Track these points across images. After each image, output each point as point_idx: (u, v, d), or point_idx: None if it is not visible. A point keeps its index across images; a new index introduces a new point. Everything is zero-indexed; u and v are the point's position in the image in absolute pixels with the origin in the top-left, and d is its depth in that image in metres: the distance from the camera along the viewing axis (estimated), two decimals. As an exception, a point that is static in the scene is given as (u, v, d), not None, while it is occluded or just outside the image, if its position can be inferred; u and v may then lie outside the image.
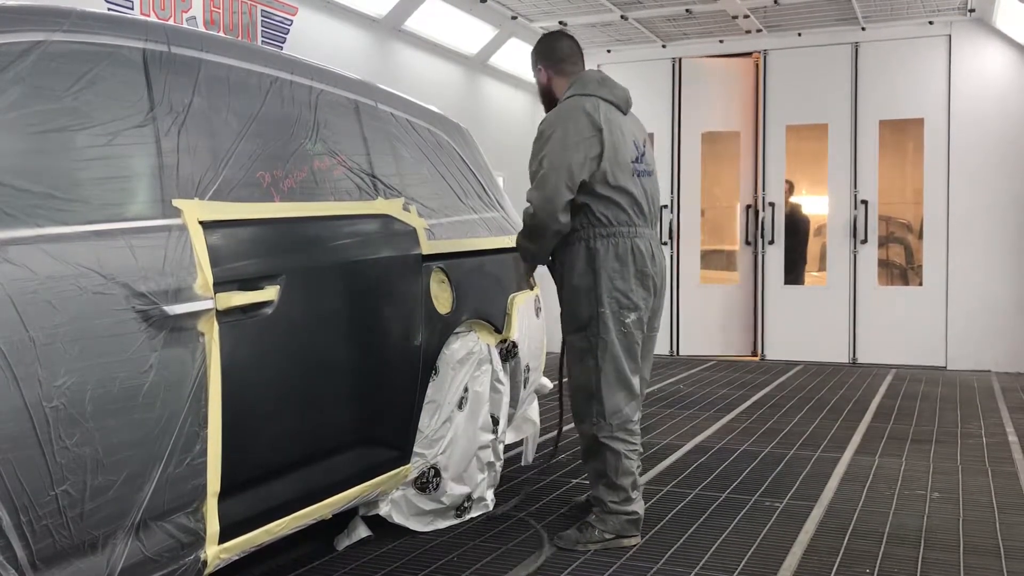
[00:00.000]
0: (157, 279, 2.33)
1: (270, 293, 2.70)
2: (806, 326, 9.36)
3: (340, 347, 3.08)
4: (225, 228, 2.60)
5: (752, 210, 9.60)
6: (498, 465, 4.08)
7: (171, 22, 5.15)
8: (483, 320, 3.90)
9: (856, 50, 9.22)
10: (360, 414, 3.21)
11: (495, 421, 4.01)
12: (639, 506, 3.58)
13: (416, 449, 3.53)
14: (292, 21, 6.36)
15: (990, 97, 8.70)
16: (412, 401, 3.46)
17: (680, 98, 9.81)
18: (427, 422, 3.56)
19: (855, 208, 9.19)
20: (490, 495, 4.01)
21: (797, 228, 9.69)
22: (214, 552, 2.54)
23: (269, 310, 2.70)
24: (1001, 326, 8.69)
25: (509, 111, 9.52)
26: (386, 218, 3.38)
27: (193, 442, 2.42)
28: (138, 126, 2.45)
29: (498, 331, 4.01)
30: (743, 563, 3.36)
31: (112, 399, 2.18)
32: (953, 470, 4.78)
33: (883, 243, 9.38)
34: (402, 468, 3.45)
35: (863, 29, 9.06)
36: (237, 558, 2.70)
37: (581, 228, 3.52)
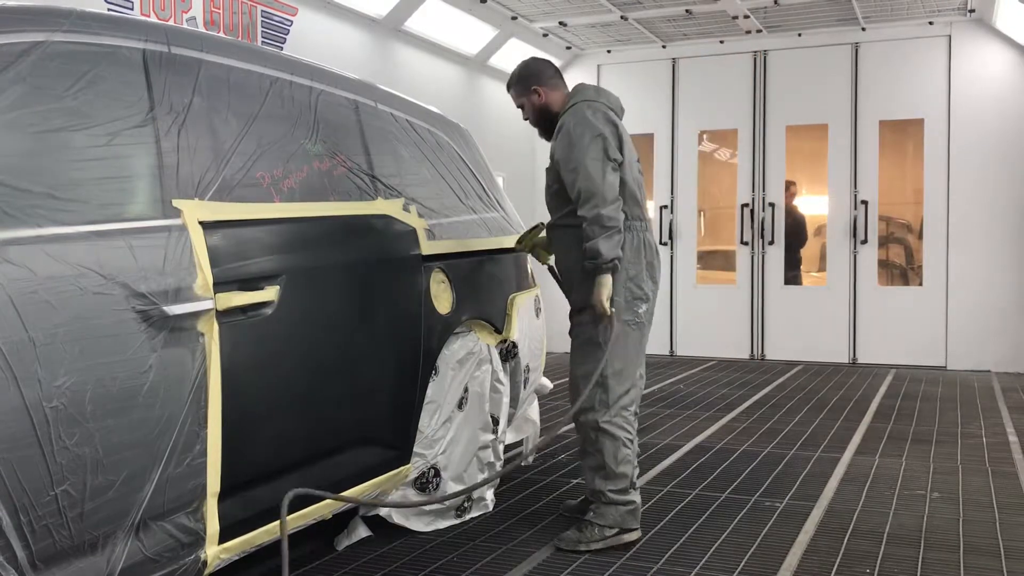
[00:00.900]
0: (157, 279, 2.33)
1: (270, 293, 2.70)
2: (806, 326, 9.36)
3: (340, 347, 3.07)
4: (225, 228, 2.60)
5: (748, 210, 9.59)
6: (498, 465, 4.08)
7: (171, 22, 5.15)
8: (483, 320, 3.90)
9: (856, 50, 9.22)
10: (360, 414, 3.21)
11: (495, 421, 4.01)
12: (636, 496, 3.59)
13: (416, 449, 3.53)
14: (292, 21, 6.36)
15: (990, 97, 8.71)
16: (412, 401, 3.46)
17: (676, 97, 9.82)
18: (427, 422, 3.56)
19: (855, 208, 9.20)
20: (490, 495, 4.01)
21: (798, 229, 9.69)
22: (214, 552, 2.54)
23: (269, 310, 2.70)
24: (1001, 326, 8.69)
25: (509, 111, 9.47)
26: (386, 218, 3.38)
27: (193, 442, 2.42)
28: (138, 126, 2.45)
29: (498, 331, 4.01)
30: (743, 563, 3.36)
31: (112, 399, 2.19)
32: (953, 470, 4.78)
33: (883, 243, 9.38)
34: (402, 468, 3.45)
35: (863, 29, 9.06)
36: (237, 558, 2.70)
37: None
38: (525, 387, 4.36)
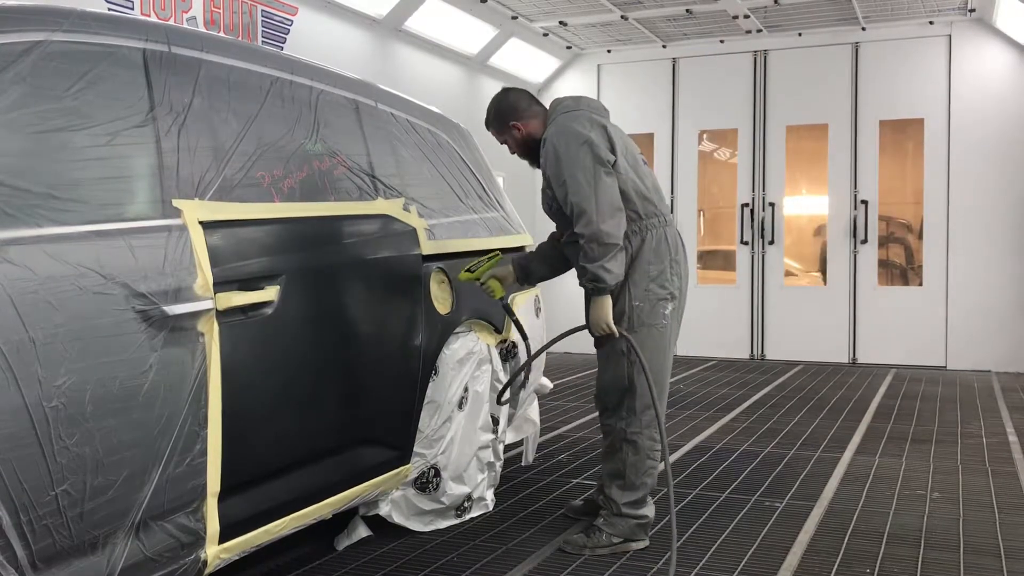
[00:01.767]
0: (157, 279, 2.33)
1: (270, 293, 2.70)
2: (806, 326, 9.36)
3: (340, 347, 3.07)
4: (225, 228, 2.60)
5: (748, 210, 9.59)
6: (498, 465, 4.09)
7: (171, 22, 5.15)
8: (483, 320, 3.90)
9: (856, 50, 9.22)
10: (360, 414, 3.21)
11: (495, 421, 4.01)
12: (650, 510, 3.54)
13: (416, 449, 3.53)
14: (292, 21, 6.36)
15: (990, 97, 8.71)
16: (412, 401, 3.46)
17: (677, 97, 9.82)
18: (427, 422, 3.56)
19: (855, 208, 9.20)
20: (490, 495, 4.02)
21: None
22: (214, 552, 2.54)
23: (269, 310, 2.70)
24: (1001, 326, 8.69)
25: (509, 111, 9.50)
26: (386, 218, 3.38)
27: (193, 442, 2.42)
28: (138, 126, 2.45)
29: (498, 331, 4.01)
30: (743, 563, 3.36)
31: (112, 399, 2.19)
32: (953, 470, 4.78)
33: (883, 243, 9.38)
34: (402, 468, 3.45)
35: (863, 29, 9.06)
36: (237, 558, 2.70)
37: None
38: (525, 387, 4.36)
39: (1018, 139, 8.60)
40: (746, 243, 9.60)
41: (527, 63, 9.68)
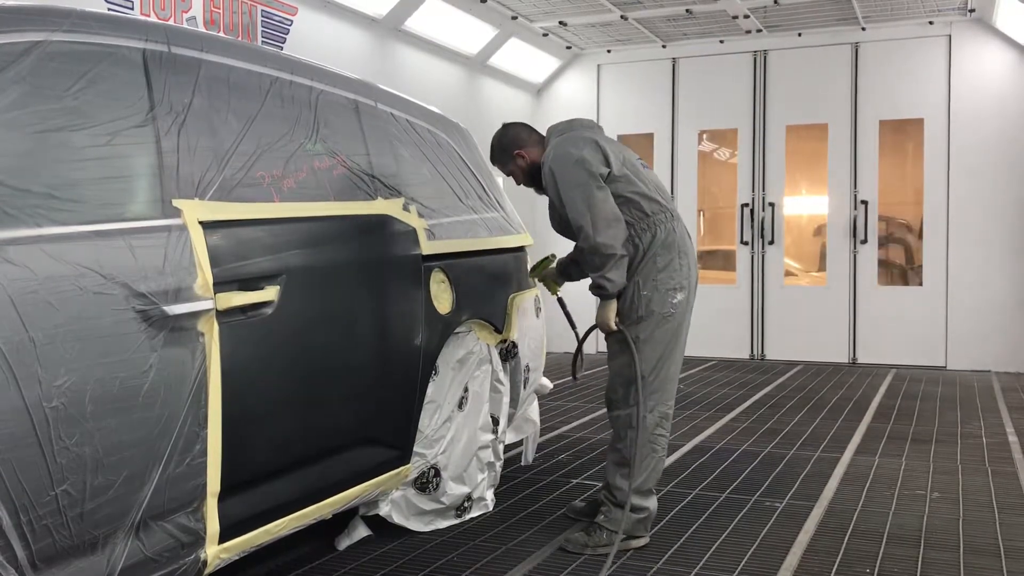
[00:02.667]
0: (157, 279, 2.33)
1: (270, 293, 2.70)
2: (806, 326, 9.36)
3: (340, 347, 3.07)
4: (225, 228, 2.60)
5: (748, 210, 9.59)
6: (498, 465, 4.09)
7: (171, 22, 5.15)
8: (483, 320, 3.90)
9: (856, 50, 9.22)
10: (360, 414, 3.21)
11: (495, 421, 4.01)
12: (653, 503, 3.57)
13: (416, 449, 3.53)
14: (292, 21, 6.36)
15: (990, 97, 8.71)
16: (412, 401, 3.46)
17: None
18: (427, 422, 3.56)
19: (855, 208, 9.20)
20: (490, 495, 4.02)
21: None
22: (214, 552, 2.54)
23: (269, 310, 2.70)
24: (1001, 326, 8.69)
25: (509, 111, 9.51)
26: (386, 218, 3.38)
27: (193, 442, 2.42)
28: (138, 126, 2.45)
29: (498, 331, 4.01)
30: (743, 563, 3.36)
31: (112, 399, 2.18)
32: (953, 470, 4.78)
33: (883, 243, 9.38)
34: (402, 468, 3.45)
35: (863, 29, 9.06)
36: (237, 558, 2.70)
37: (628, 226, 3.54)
38: (525, 387, 4.36)
39: (1018, 139, 8.60)
40: (746, 243, 9.60)
41: (527, 63, 9.68)
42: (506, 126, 3.87)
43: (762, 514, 3.97)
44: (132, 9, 5.08)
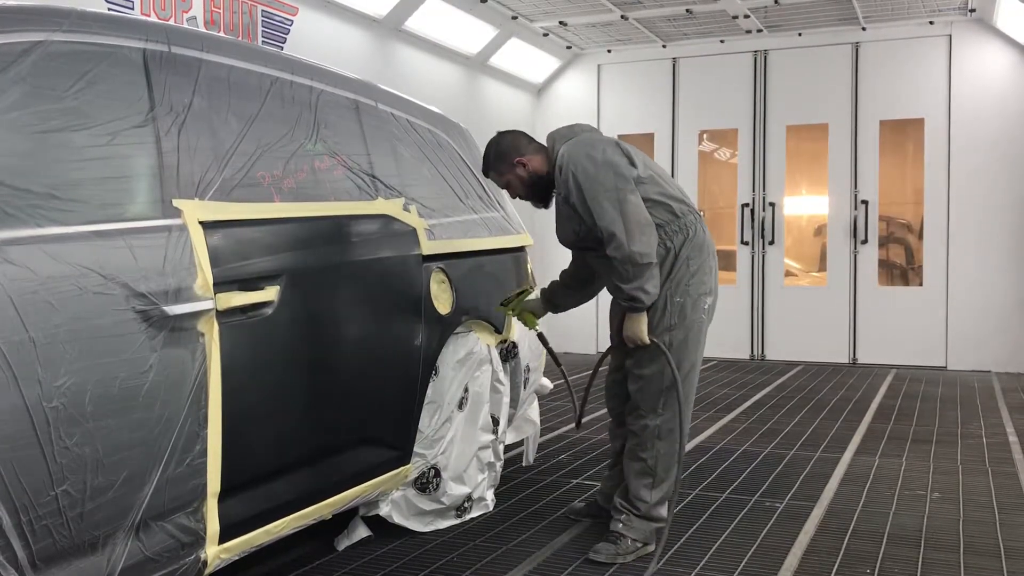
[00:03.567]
0: (157, 279, 2.33)
1: (270, 293, 2.70)
2: (806, 326, 9.36)
3: (340, 347, 3.07)
4: (225, 228, 2.60)
5: (748, 210, 9.59)
6: (498, 465, 4.09)
7: (171, 22, 5.15)
8: (483, 320, 3.90)
9: (856, 50, 9.22)
10: (360, 414, 3.21)
11: (495, 421, 4.01)
12: (667, 513, 3.49)
13: (416, 449, 3.53)
14: (292, 21, 6.36)
15: (990, 97, 8.71)
16: (412, 401, 3.46)
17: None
18: (427, 422, 3.56)
19: (855, 208, 9.19)
20: (490, 495, 4.02)
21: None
22: (214, 552, 2.54)
23: (269, 310, 2.70)
24: (1001, 326, 8.69)
25: (509, 111, 9.52)
26: (386, 218, 3.38)
27: (193, 442, 2.42)
28: (138, 126, 2.45)
29: (498, 331, 4.01)
30: (743, 563, 3.36)
31: (112, 399, 2.19)
32: (953, 470, 4.78)
33: (883, 243, 9.38)
34: (402, 468, 3.45)
35: (863, 29, 9.06)
36: (237, 558, 2.70)
37: (659, 228, 3.40)
38: (525, 387, 4.36)
39: (1018, 139, 8.60)
40: (746, 243, 9.60)
41: (527, 63, 9.67)
42: (502, 134, 3.61)
43: (762, 514, 3.97)
44: (132, 9, 5.08)
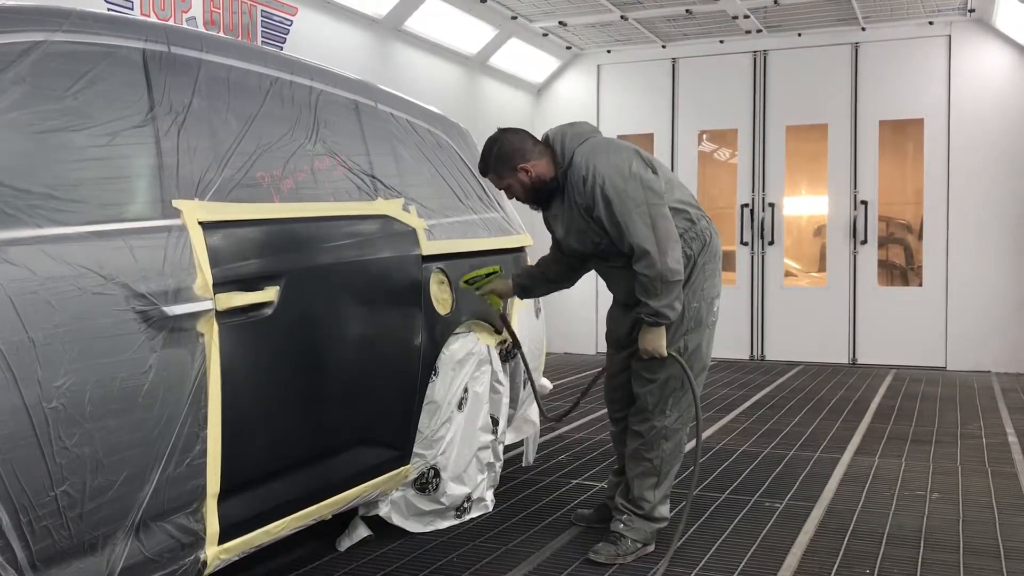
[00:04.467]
0: (157, 280, 2.33)
1: (270, 294, 2.70)
2: (806, 326, 9.36)
3: (340, 348, 3.07)
4: (225, 228, 2.60)
5: (748, 210, 9.59)
6: (498, 466, 4.09)
7: (171, 22, 5.15)
8: (483, 321, 3.90)
9: (856, 50, 9.22)
10: (360, 415, 3.21)
11: (495, 422, 4.01)
12: (668, 511, 3.53)
13: (416, 450, 3.53)
14: (292, 21, 6.36)
15: (990, 97, 8.71)
16: (412, 402, 3.46)
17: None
18: (427, 423, 3.56)
19: (855, 208, 9.19)
20: (490, 495, 4.02)
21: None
22: (214, 552, 2.54)
23: (269, 311, 2.70)
24: (1001, 326, 8.69)
25: (509, 111, 9.52)
26: (386, 218, 3.38)
27: (193, 442, 2.42)
28: (138, 126, 2.45)
29: (498, 332, 4.01)
30: (743, 563, 3.36)
31: (112, 399, 2.18)
32: (953, 470, 4.78)
33: (883, 243, 9.38)
34: (402, 469, 3.45)
35: (863, 29, 9.06)
36: (237, 558, 2.70)
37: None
38: (525, 387, 4.36)
39: (1018, 139, 8.60)
40: (746, 243, 9.60)
41: (527, 63, 9.67)
42: (504, 132, 3.45)
43: (762, 514, 3.97)
44: (132, 9, 5.08)
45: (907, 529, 3.78)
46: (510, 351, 4.09)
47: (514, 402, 4.26)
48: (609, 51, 9.99)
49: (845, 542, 3.61)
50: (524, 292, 3.79)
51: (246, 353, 2.61)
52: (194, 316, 2.42)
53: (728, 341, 9.56)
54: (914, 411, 6.54)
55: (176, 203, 2.48)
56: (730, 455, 5.10)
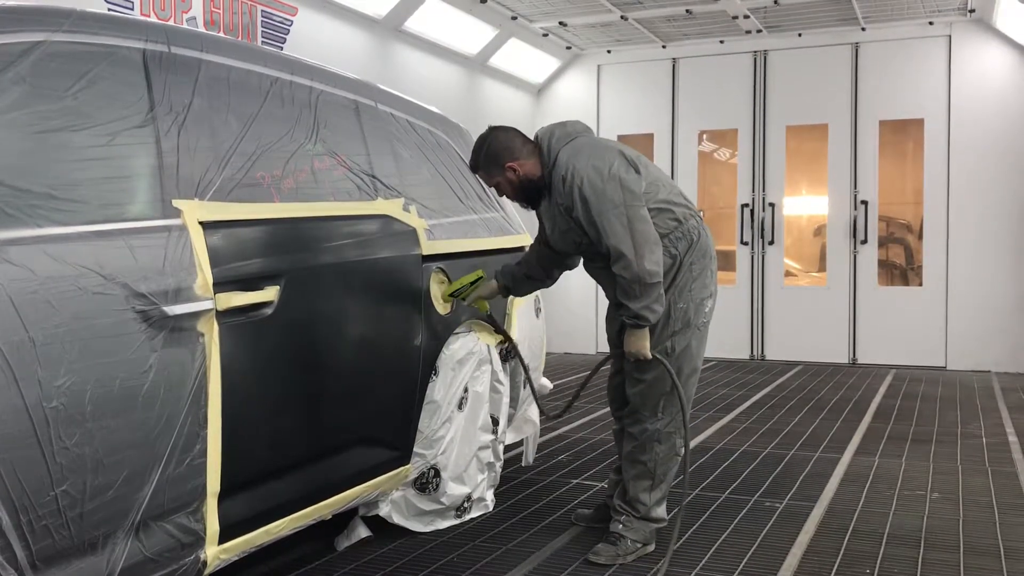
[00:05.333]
0: (157, 279, 2.33)
1: (270, 293, 2.70)
2: (806, 326, 9.36)
3: (340, 348, 3.07)
4: (225, 228, 2.60)
5: (748, 210, 9.59)
6: (498, 465, 4.09)
7: (171, 22, 5.15)
8: (483, 320, 3.89)
9: (856, 50, 9.22)
10: (360, 414, 3.21)
11: (495, 421, 4.01)
12: (665, 512, 3.53)
13: (416, 449, 3.53)
14: (292, 21, 6.36)
15: (990, 97, 8.71)
16: (412, 401, 3.46)
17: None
18: (427, 422, 3.56)
19: (855, 208, 9.19)
20: (490, 495, 4.02)
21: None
22: (214, 552, 2.54)
23: (269, 310, 2.70)
24: (1001, 326, 8.69)
25: (509, 111, 9.52)
26: (386, 218, 3.38)
27: (193, 442, 2.42)
28: (138, 126, 2.45)
29: (498, 331, 4.01)
30: (743, 563, 3.36)
31: (112, 399, 2.18)
32: (953, 470, 4.78)
33: (883, 243, 9.38)
34: (402, 468, 3.45)
35: (863, 29, 9.06)
36: (237, 558, 2.70)
37: (663, 236, 3.35)
38: (525, 387, 4.36)
39: (1018, 139, 8.60)
40: (746, 243, 9.60)
41: (527, 63, 9.68)
42: (494, 131, 3.43)
43: (762, 514, 3.97)
44: (132, 9, 5.08)
45: (907, 529, 3.78)
46: (509, 351, 4.09)
47: (514, 402, 4.26)
48: (609, 51, 9.99)
49: (845, 542, 3.61)
50: (508, 292, 3.77)
51: (246, 353, 2.62)
52: (194, 316, 2.42)
53: (728, 341, 9.58)
54: (914, 411, 6.54)
55: (176, 203, 2.48)
56: (730, 455, 5.10)
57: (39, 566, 2.03)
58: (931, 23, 8.81)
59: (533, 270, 3.69)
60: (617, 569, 3.32)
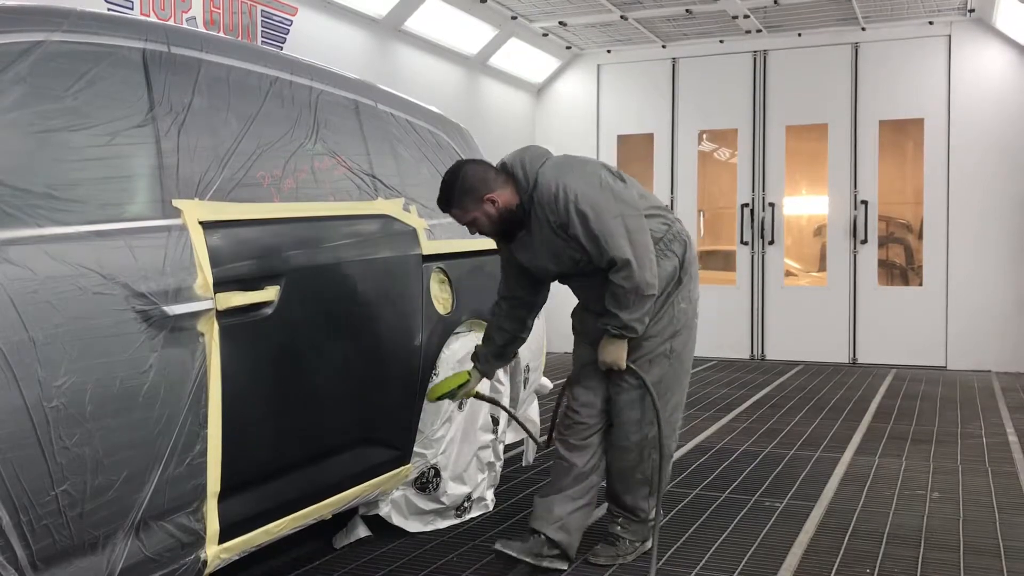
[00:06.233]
0: (157, 279, 2.33)
1: (270, 293, 2.70)
2: (806, 326, 9.36)
3: (340, 347, 3.08)
4: (225, 228, 2.60)
5: (748, 210, 9.59)
6: (498, 465, 4.09)
7: (171, 22, 5.15)
8: (483, 320, 3.89)
9: (856, 50, 9.22)
10: (360, 414, 3.21)
11: (495, 421, 4.02)
12: (662, 511, 3.54)
13: (416, 449, 3.53)
14: (292, 21, 6.36)
15: (990, 97, 8.71)
16: (412, 401, 3.46)
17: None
18: (427, 422, 3.56)
19: (855, 208, 9.20)
20: (490, 495, 4.02)
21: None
22: (214, 552, 2.54)
23: (269, 310, 2.70)
24: (1001, 326, 8.69)
25: (509, 111, 9.52)
26: (386, 218, 3.38)
27: (193, 442, 2.42)
28: (138, 126, 2.45)
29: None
30: (743, 563, 3.36)
31: (112, 399, 2.19)
32: (953, 470, 4.78)
33: (883, 243, 9.38)
34: (402, 468, 3.45)
35: (863, 29, 9.06)
36: (237, 558, 2.70)
37: (659, 240, 3.33)
38: (525, 387, 4.36)
39: (1018, 139, 8.60)
40: (746, 243, 9.60)
41: (527, 63, 9.68)
42: (465, 164, 3.25)
43: (762, 514, 3.97)
44: (132, 9, 5.08)
45: (907, 529, 3.78)
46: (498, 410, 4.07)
47: (514, 402, 4.26)
48: (609, 51, 10.00)
49: (845, 542, 3.61)
50: (493, 372, 3.58)
51: (246, 352, 2.62)
52: (194, 315, 2.42)
53: (728, 341, 9.59)
54: (914, 411, 6.54)
55: (176, 203, 2.48)
56: (730, 455, 5.10)
57: (39, 566, 2.03)
58: (931, 23, 8.82)
59: (505, 334, 3.48)
60: (617, 569, 3.32)
